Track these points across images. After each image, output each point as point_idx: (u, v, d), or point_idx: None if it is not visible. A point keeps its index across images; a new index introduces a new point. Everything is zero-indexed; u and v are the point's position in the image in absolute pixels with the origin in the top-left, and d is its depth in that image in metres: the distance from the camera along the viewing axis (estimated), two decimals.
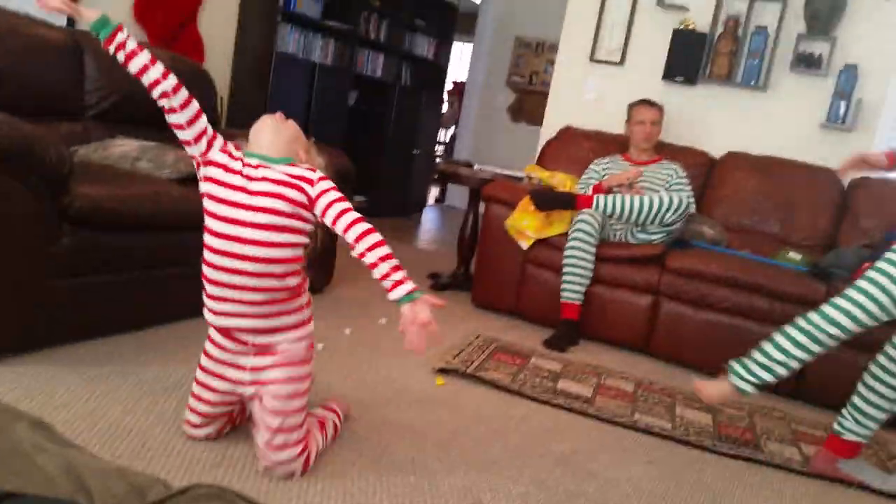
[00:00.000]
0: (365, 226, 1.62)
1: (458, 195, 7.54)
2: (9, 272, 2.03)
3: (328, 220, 1.63)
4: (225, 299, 1.63)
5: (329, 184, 1.65)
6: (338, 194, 1.64)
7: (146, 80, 1.70)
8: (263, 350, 1.69)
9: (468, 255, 4.01)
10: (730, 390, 2.20)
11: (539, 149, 4.32)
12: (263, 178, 1.62)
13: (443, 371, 2.60)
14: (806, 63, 3.91)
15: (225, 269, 1.61)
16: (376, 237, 1.62)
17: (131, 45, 1.70)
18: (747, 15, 3.99)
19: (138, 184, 2.46)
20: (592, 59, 4.42)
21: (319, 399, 2.02)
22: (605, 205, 3.23)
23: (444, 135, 9.32)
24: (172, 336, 2.49)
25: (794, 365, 2.12)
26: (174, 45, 3.79)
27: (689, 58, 4.11)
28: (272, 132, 1.69)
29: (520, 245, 3.40)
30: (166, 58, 3.30)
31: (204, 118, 1.73)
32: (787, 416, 2.78)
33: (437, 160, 7.56)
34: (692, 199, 3.32)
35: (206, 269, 1.64)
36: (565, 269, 3.23)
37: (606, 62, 4.38)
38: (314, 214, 1.65)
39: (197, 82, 3.46)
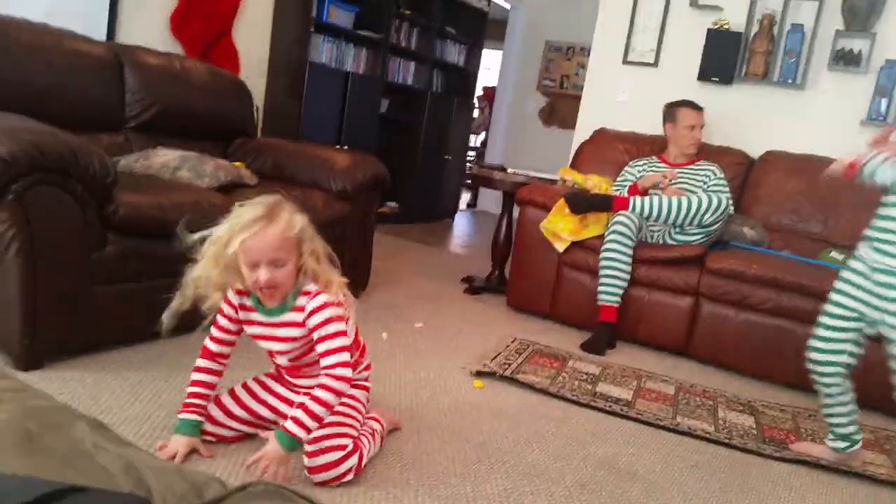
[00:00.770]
0: (327, 382, 1.65)
1: (490, 200, 7.54)
2: (55, 279, 2.08)
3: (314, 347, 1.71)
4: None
5: (319, 319, 1.68)
6: (323, 332, 1.68)
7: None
8: None
9: (502, 259, 4.01)
10: None
11: (572, 152, 4.30)
12: (274, 325, 1.74)
13: (480, 374, 2.60)
14: (845, 60, 3.83)
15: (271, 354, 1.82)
16: (326, 395, 1.64)
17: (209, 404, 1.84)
18: (783, 13, 3.93)
19: (179, 192, 2.50)
20: (626, 61, 4.39)
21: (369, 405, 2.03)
22: (643, 206, 3.20)
23: (475, 140, 9.33)
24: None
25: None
26: (210, 56, 3.85)
27: (724, 58, 4.06)
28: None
29: (555, 247, 3.39)
30: (203, 69, 3.38)
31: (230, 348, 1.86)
32: None
33: (469, 165, 7.57)
34: (731, 200, 3.26)
35: None
36: (602, 272, 3.21)
37: (640, 63, 4.35)
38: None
39: (234, 93, 3.52)
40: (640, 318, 3.27)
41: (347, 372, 1.65)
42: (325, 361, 1.66)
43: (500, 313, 3.57)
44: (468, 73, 6.90)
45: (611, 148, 4.05)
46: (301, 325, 1.70)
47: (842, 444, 2.25)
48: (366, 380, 1.93)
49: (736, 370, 3.14)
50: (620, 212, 3.21)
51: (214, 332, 1.79)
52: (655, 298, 3.26)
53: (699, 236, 3.23)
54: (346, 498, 1.65)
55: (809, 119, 3.96)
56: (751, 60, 4.04)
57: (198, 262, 1.68)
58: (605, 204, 3.27)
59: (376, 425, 1.91)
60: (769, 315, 3.07)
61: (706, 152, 3.74)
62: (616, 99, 4.43)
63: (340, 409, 1.75)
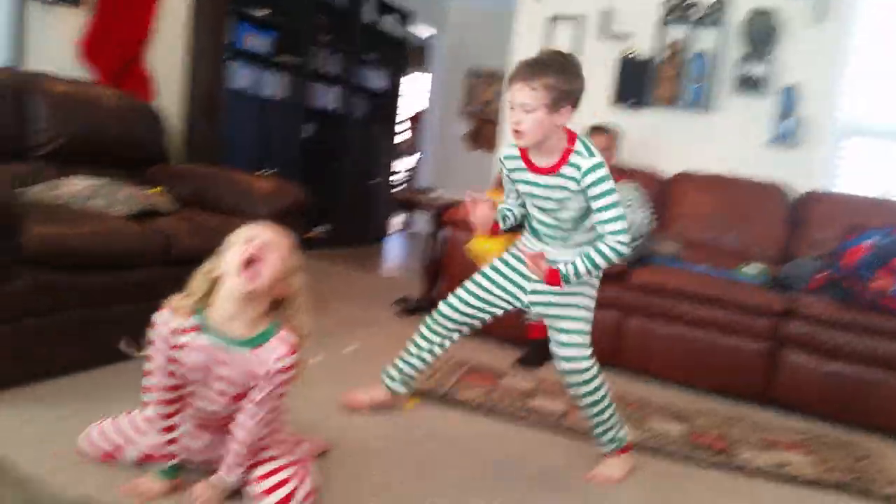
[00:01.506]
0: (244, 435, 1.63)
1: (423, 221, 7.55)
2: None
3: (249, 399, 1.62)
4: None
5: (270, 388, 1.61)
6: (263, 402, 1.62)
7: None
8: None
9: (434, 280, 4.00)
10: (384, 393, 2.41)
11: (496, 174, 4.36)
12: (220, 361, 1.61)
13: (415, 393, 2.57)
14: (747, 85, 4.03)
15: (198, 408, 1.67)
16: (253, 434, 1.63)
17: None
18: (688, 40, 4.12)
19: (92, 222, 2.40)
20: None
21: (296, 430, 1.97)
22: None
23: (407, 163, 9.36)
24: (136, 372, 2.40)
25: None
26: (123, 82, 3.72)
27: (635, 83, 4.22)
28: (237, 307, 1.59)
29: (483, 267, 3.39)
30: (113, 96, 3.27)
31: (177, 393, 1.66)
32: (757, 423, 2.81)
33: (396, 188, 7.57)
34: (648, 216, 3.33)
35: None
36: None
37: None
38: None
39: (146, 119, 3.42)
40: None
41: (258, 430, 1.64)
42: (243, 416, 1.62)
43: None
44: (391, 98, 6.92)
45: None
46: (256, 376, 1.60)
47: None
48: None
49: (664, 379, 3.21)
50: None
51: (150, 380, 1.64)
52: None
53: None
54: None
55: (717, 141, 4.13)
56: (660, 85, 4.21)
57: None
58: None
59: (307, 448, 1.87)
60: (691, 326, 3.17)
61: (619, 173, 3.83)
62: None
63: (269, 443, 1.70)
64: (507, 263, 2.30)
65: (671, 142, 4.21)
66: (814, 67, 3.93)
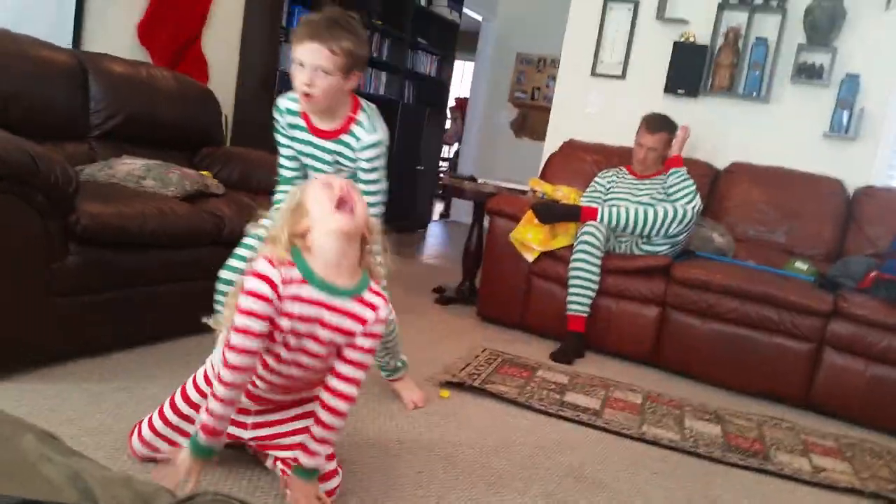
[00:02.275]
0: (345, 406, 1.57)
1: (463, 210, 7.55)
2: (15, 290, 2.04)
3: (341, 357, 1.55)
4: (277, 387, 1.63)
5: (371, 342, 1.56)
6: (364, 356, 1.56)
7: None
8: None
9: (473, 269, 4.01)
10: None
11: (542, 163, 4.33)
12: (331, 308, 1.51)
13: (448, 384, 2.59)
14: (807, 74, 3.92)
15: (285, 376, 1.59)
16: (338, 422, 1.58)
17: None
18: (747, 26, 4.01)
19: (143, 201, 2.47)
20: (594, 73, 4.44)
21: None
22: (611, 217, 3.23)
23: (447, 151, 9.36)
24: (177, 352, 2.49)
25: None
26: (178, 65, 3.82)
27: (690, 70, 4.13)
28: (340, 250, 1.50)
29: (525, 258, 3.40)
30: (170, 78, 3.35)
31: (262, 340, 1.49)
32: (795, 427, 2.75)
33: (441, 176, 7.58)
34: (697, 208, 3.28)
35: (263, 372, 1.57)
36: (571, 282, 3.23)
37: (608, 76, 4.40)
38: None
39: (201, 102, 3.50)
40: (609, 328, 3.30)
41: (356, 393, 1.58)
42: (340, 384, 1.55)
43: (470, 323, 3.57)
44: (440, 84, 6.92)
45: (579, 159, 4.08)
46: (348, 333, 1.53)
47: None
48: None
49: (703, 379, 3.17)
50: (589, 222, 3.23)
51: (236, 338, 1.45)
52: (623, 308, 3.29)
53: (666, 246, 3.26)
54: None
55: (773, 131, 4.03)
56: (716, 73, 4.12)
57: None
58: (574, 214, 3.30)
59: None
60: (735, 324, 3.11)
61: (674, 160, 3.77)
62: (585, 111, 4.47)
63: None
64: None
65: (726, 132, 4.11)
66: (878, 57, 3.79)
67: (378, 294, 1.58)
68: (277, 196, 2.17)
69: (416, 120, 6.41)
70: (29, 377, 2.09)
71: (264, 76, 4.49)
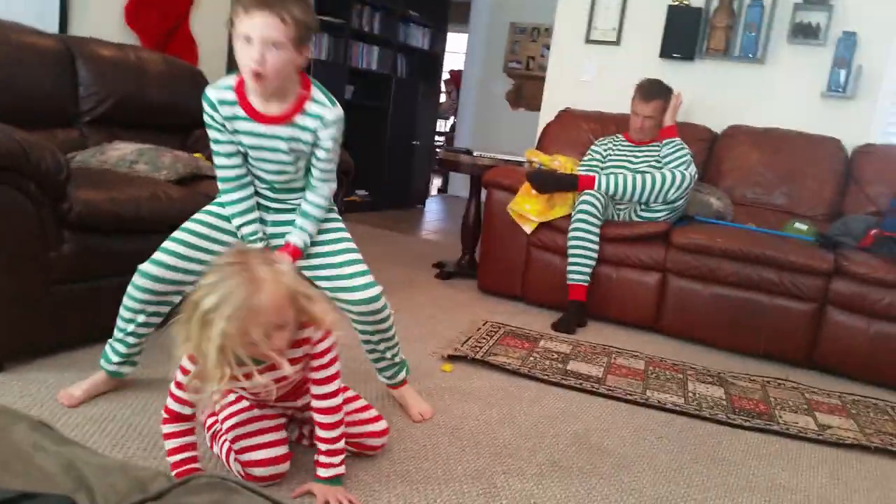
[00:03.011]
0: (334, 418, 1.60)
1: (461, 184, 7.52)
2: (11, 280, 2.03)
3: (312, 379, 1.59)
4: None
5: (327, 357, 1.58)
6: (328, 371, 1.59)
7: None
8: None
9: (472, 243, 4.00)
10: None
11: (539, 133, 4.30)
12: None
13: (451, 358, 2.59)
14: (803, 33, 3.86)
15: None
16: (334, 433, 1.60)
17: None
18: None
19: (136, 186, 2.45)
20: (588, 40, 4.38)
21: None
22: (608, 185, 3.21)
23: (444, 125, 9.30)
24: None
25: None
26: (167, 47, 3.77)
27: (685, 34, 4.08)
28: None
29: (523, 229, 3.39)
30: (160, 60, 3.31)
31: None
32: (799, 387, 2.76)
33: (438, 150, 7.54)
34: (695, 174, 3.26)
35: None
36: (570, 251, 3.21)
37: (602, 42, 4.35)
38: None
39: (191, 84, 3.45)
40: (610, 296, 3.29)
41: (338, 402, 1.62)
42: (319, 403, 1.59)
43: (471, 297, 3.57)
44: (434, 57, 6.85)
45: (576, 128, 4.05)
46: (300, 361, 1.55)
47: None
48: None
49: (706, 343, 3.17)
50: (586, 191, 3.21)
51: (177, 391, 1.52)
52: (623, 276, 3.28)
53: (664, 212, 3.25)
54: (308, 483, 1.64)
55: (770, 92, 3.99)
56: (712, 36, 4.06)
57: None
58: (571, 183, 3.27)
59: None
60: (736, 288, 3.10)
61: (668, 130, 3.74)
62: (580, 79, 4.43)
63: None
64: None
65: (723, 95, 4.07)
66: (875, 13, 3.73)
67: (307, 341, 1.54)
68: (228, 204, 1.89)
69: (410, 94, 6.35)
70: (29, 367, 2.09)
71: None
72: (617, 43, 4.31)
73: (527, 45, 7.11)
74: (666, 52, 4.14)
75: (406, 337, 2.66)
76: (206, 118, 1.82)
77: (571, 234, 3.21)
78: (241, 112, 1.77)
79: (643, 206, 3.28)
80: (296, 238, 1.86)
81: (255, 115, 1.77)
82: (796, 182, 3.65)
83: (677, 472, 1.95)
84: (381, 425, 1.81)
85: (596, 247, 3.20)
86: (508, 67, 7.21)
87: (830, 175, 3.64)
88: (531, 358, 2.69)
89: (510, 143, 5.77)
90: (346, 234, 1.98)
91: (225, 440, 1.66)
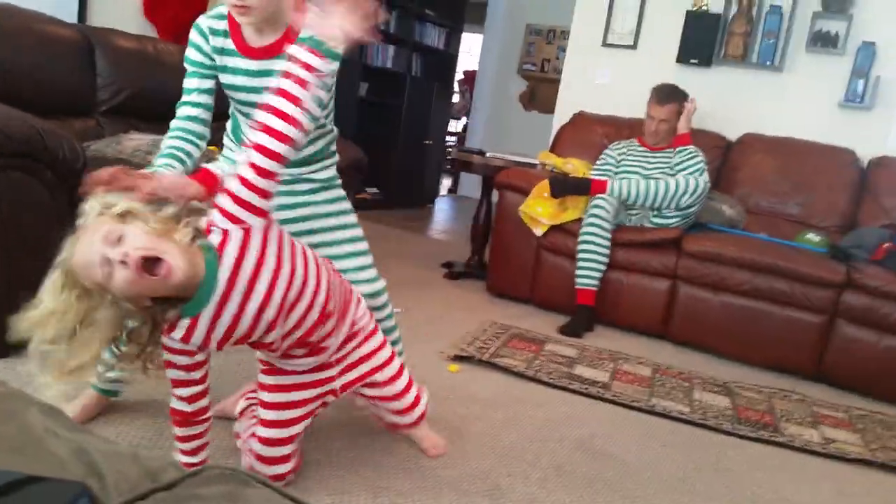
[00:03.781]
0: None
1: (471, 185, 7.52)
2: (24, 266, 2.05)
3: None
4: None
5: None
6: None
7: None
8: None
9: (482, 244, 4.00)
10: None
11: (552, 136, 4.30)
12: None
13: (458, 358, 2.60)
14: (822, 42, 3.85)
15: None
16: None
17: None
18: None
19: None
20: (605, 43, 4.38)
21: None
22: (620, 190, 3.21)
23: (456, 125, 9.30)
24: None
25: None
26: (184, 39, 3.79)
27: (703, 39, 4.06)
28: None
29: (534, 232, 3.38)
30: (177, 52, 3.32)
31: None
32: (806, 399, 2.74)
33: (449, 150, 7.55)
34: (708, 183, 3.25)
35: None
36: (580, 255, 3.21)
37: (619, 46, 4.34)
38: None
39: None
40: (619, 302, 3.28)
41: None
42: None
43: (479, 298, 3.57)
44: (448, 57, 6.85)
45: (590, 131, 4.04)
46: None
47: None
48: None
49: (714, 352, 3.16)
50: (598, 195, 3.21)
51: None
52: (633, 281, 3.27)
53: (676, 219, 3.24)
54: (314, 481, 1.64)
55: (787, 101, 3.97)
56: (730, 42, 4.05)
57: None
58: (585, 188, 3.27)
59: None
60: (746, 297, 3.09)
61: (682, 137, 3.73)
62: (595, 82, 4.42)
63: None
64: None
65: (739, 102, 4.05)
66: (895, 23, 3.71)
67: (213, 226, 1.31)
68: (169, 142, 1.67)
69: (424, 93, 6.36)
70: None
71: None
72: (634, 47, 4.30)
73: (542, 46, 7.10)
74: (683, 58, 4.12)
75: (414, 336, 2.67)
76: (189, 50, 1.66)
77: (582, 237, 3.20)
78: (230, 45, 1.62)
79: (655, 212, 3.27)
80: (216, 167, 1.61)
81: (245, 50, 1.61)
82: (810, 192, 3.63)
83: (681, 482, 1.95)
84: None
85: (606, 251, 3.19)
86: (523, 69, 7.21)
87: (845, 186, 3.62)
88: (537, 361, 2.68)
89: (522, 145, 5.76)
90: (355, 221, 1.90)
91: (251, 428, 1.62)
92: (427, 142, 6.53)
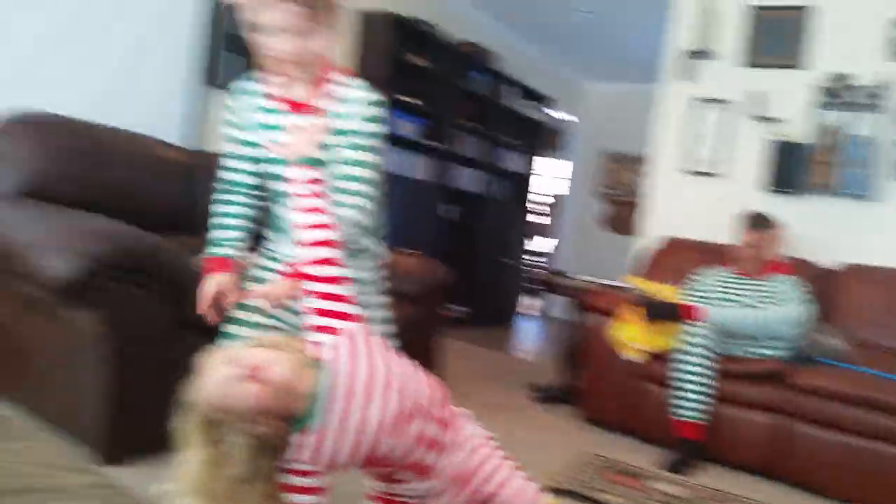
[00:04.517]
0: None
1: (555, 304, 7.45)
2: (137, 376, 2.08)
3: None
4: None
5: None
6: None
7: None
8: None
9: (571, 367, 3.88)
10: None
11: (635, 259, 4.24)
12: None
13: (555, 491, 2.44)
14: None
15: None
16: None
17: None
18: (845, 124, 3.88)
19: None
20: (685, 170, 4.36)
21: None
22: (718, 317, 3.08)
23: (540, 245, 9.38)
24: None
25: None
26: None
27: (788, 168, 4.01)
28: None
29: (626, 357, 3.26)
30: None
31: None
32: None
33: (528, 269, 7.54)
34: (809, 308, 3.11)
35: None
36: (680, 385, 3.05)
37: (700, 173, 4.32)
38: None
39: None
40: (722, 436, 3.08)
41: None
42: None
43: (571, 425, 3.42)
44: (525, 179, 7.00)
45: (679, 256, 3.96)
46: None
47: None
48: None
49: (826, 494, 2.90)
50: (697, 322, 3.09)
51: None
52: (736, 415, 3.07)
53: (779, 350, 3.08)
54: None
55: (881, 230, 3.82)
56: (815, 171, 3.97)
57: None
58: (680, 313, 3.16)
59: None
60: (858, 436, 2.86)
61: (778, 265, 3.60)
62: (678, 207, 4.38)
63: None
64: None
65: (831, 230, 3.93)
66: None
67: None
68: (217, 215, 1.64)
69: (503, 214, 6.47)
70: (150, 462, 2.09)
71: None
72: (715, 174, 4.27)
73: (621, 171, 7.19)
74: (768, 185, 4.07)
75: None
76: (226, 119, 1.64)
77: (681, 366, 3.06)
78: (273, 105, 1.60)
79: (755, 342, 3.12)
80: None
81: (289, 104, 1.59)
82: None
83: None
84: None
85: (708, 381, 3.03)
86: (604, 192, 7.29)
87: None
88: (642, 499, 2.50)
89: (605, 267, 5.71)
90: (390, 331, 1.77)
91: None
92: (505, 260, 6.56)
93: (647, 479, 2.73)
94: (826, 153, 3.94)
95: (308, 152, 1.36)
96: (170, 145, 3.10)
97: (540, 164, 7.28)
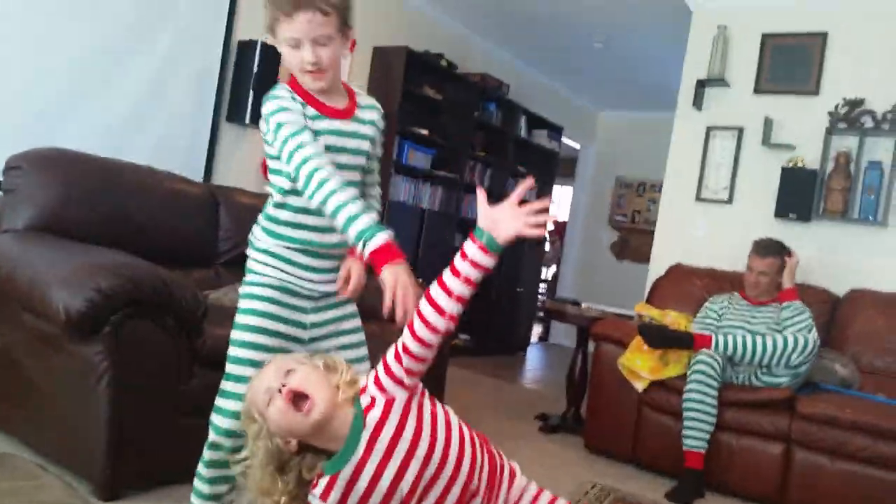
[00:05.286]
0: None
1: (562, 333, 7.45)
2: (142, 410, 2.13)
3: None
4: None
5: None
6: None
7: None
8: None
9: (578, 396, 3.90)
10: None
11: (645, 287, 4.26)
12: None
13: None
14: None
15: None
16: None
17: None
18: (858, 150, 3.91)
19: None
20: (698, 198, 4.40)
21: None
22: (726, 345, 3.10)
23: (545, 272, 9.38)
24: None
25: None
26: None
27: (800, 195, 4.03)
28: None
29: (634, 386, 3.28)
30: None
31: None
32: None
33: (540, 298, 7.56)
34: (818, 341, 3.12)
35: None
36: (686, 414, 3.07)
37: (713, 200, 4.36)
38: None
39: None
40: (729, 466, 3.08)
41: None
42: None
43: (576, 455, 3.43)
44: None
45: (688, 284, 3.98)
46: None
47: None
48: None
49: None
50: (703, 350, 3.11)
51: None
52: (744, 444, 3.08)
53: (786, 378, 3.09)
54: None
55: (893, 256, 3.83)
56: (828, 198, 4.00)
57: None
58: (686, 341, 3.18)
59: None
60: (867, 464, 2.86)
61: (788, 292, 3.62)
62: (690, 234, 4.41)
63: None
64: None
65: (843, 257, 3.94)
66: None
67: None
68: (316, 172, 1.47)
69: (516, 243, 6.49)
70: (148, 497, 2.14)
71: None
72: (729, 202, 4.31)
73: (633, 198, 7.22)
74: (781, 212, 4.08)
75: None
76: (284, 114, 1.55)
77: (687, 395, 3.08)
78: (314, 111, 1.59)
79: (764, 370, 3.13)
80: (381, 233, 1.42)
81: (329, 111, 1.61)
82: None
83: None
84: None
85: (714, 411, 3.04)
86: (613, 220, 7.30)
87: None
88: None
89: (614, 295, 5.72)
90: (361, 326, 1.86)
91: None
92: (519, 289, 6.58)
93: None
94: (839, 179, 3.97)
95: None
96: (189, 181, 3.19)
97: (554, 192, 7.33)
